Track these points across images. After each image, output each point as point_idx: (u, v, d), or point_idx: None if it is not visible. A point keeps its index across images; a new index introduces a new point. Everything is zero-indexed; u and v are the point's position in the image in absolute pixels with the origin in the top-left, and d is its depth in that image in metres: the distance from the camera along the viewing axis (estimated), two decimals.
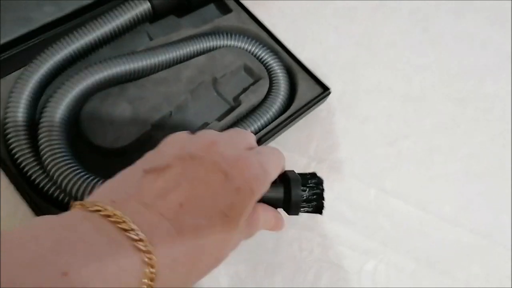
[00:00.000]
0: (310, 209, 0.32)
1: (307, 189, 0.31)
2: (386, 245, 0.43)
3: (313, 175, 0.32)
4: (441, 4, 0.58)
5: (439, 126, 0.50)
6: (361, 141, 0.48)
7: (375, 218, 0.44)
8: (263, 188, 0.28)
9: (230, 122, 0.43)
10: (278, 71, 0.46)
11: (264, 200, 0.30)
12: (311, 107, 0.46)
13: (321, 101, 0.47)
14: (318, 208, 0.32)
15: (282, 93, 0.45)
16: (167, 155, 0.27)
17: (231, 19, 0.48)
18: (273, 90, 0.45)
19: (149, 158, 0.28)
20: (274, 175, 0.30)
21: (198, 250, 0.25)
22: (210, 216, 0.25)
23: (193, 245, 0.24)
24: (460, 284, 0.42)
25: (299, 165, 0.45)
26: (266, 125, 0.43)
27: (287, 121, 0.44)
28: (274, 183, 0.30)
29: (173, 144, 0.29)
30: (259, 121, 0.43)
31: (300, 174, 0.32)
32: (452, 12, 0.58)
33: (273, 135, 0.44)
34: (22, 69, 0.41)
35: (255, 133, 0.43)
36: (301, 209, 0.32)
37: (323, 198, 0.32)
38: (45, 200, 0.37)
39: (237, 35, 0.47)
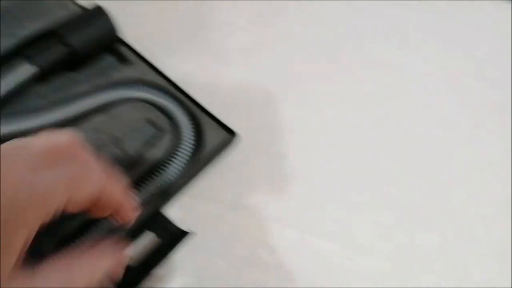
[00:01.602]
0: None
1: None
2: (310, 285, 0.42)
3: None
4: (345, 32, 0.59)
5: (352, 152, 0.50)
6: (276, 180, 0.47)
7: (295, 260, 0.43)
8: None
9: (133, 181, 0.41)
10: (183, 120, 0.45)
11: None
12: (220, 154, 0.45)
13: (230, 146, 0.46)
14: None
15: (187, 143, 0.44)
16: None
17: (128, 70, 0.47)
18: (178, 142, 0.44)
19: None
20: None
21: None
22: None
23: None
24: None
25: (213, 215, 0.44)
26: (173, 179, 0.42)
27: (196, 172, 0.43)
28: None
29: None
30: (165, 176, 0.42)
31: None
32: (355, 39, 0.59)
33: (182, 188, 0.43)
34: None
35: (162, 188, 0.41)
36: None
37: None
38: None
39: (136, 86, 0.46)
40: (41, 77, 0.43)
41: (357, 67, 0.57)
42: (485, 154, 0.52)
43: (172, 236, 0.39)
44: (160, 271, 0.39)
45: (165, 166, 0.42)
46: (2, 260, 0.21)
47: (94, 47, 0.45)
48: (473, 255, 0.46)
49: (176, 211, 0.43)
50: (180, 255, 0.41)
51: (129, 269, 0.36)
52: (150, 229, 0.40)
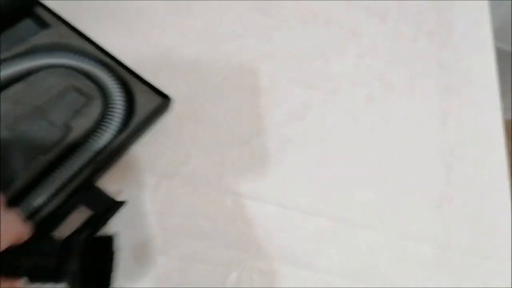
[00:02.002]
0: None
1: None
2: (248, 251, 0.42)
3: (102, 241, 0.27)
4: None
5: (290, 114, 0.50)
6: (213, 146, 0.46)
7: (234, 226, 0.43)
8: None
9: (60, 153, 0.39)
10: (111, 86, 0.43)
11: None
12: (153, 120, 0.43)
13: (164, 112, 0.44)
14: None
15: (118, 110, 0.42)
16: None
17: (49, 35, 0.43)
18: (108, 109, 0.42)
19: None
20: None
21: None
22: None
23: None
24: (322, 271, 0.43)
25: (149, 185, 0.43)
26: (105, 149, 0.40)
27: (128, 140, 0.41)
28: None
29: None
30: (94, 146, 0.40)
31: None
32: None
33: (115, 158, 0.41)
34: None
35: (92, 159, 0.39)
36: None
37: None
38: None
39: (58, 52, 0.43)
40: None
41: (293, 19, 0.56)
42: (418, 111, 0.53)
43: (105, 208, 0.38)
44: None
45: (96, 136, 0.40)
46: None
47: (8, 11, 0.41)
48: (408, 208, 0.47)
49: (110, 183, 0.41)
50: (116, 227, 0.40)
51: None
52: (83, 202, 0.38)
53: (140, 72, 0.44)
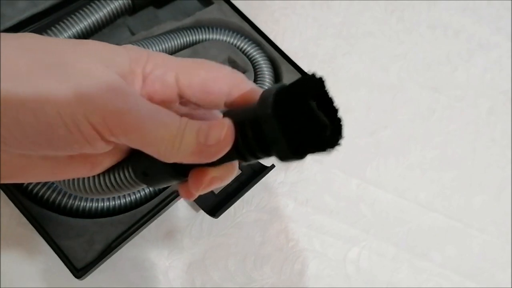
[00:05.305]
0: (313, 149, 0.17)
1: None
2: (368, 232, 0.45)
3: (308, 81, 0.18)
4: None
5: (415, 114, 0.52)
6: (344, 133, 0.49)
7: (357, 207, 0.46)
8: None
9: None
10: (262, 63, 0.47)
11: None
12: None
13: None
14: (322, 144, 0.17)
15: (266, 83, 0.46)
16: None
17: (212, 12, 0.48)
18: (258, 83, 0.46)
19: None
20: None
21: None
22: None
23: None
24: (437, 264, 0.44)
25: None
26: None
27: None
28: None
29: None
30: None
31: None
32: (425, 2, 0.59)
33: None
34: None
35: None
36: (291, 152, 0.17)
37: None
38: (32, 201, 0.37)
39: (220, 29, 0.47)
40: (131, 10, 0.45)
41: (423, 26, 0.58)
42: None
43: (254, 170, 0.42)
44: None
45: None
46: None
47: None
48: None
49: None
50: (253, 193, 0.44)
51: (215, 195, 0.39)
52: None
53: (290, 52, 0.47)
